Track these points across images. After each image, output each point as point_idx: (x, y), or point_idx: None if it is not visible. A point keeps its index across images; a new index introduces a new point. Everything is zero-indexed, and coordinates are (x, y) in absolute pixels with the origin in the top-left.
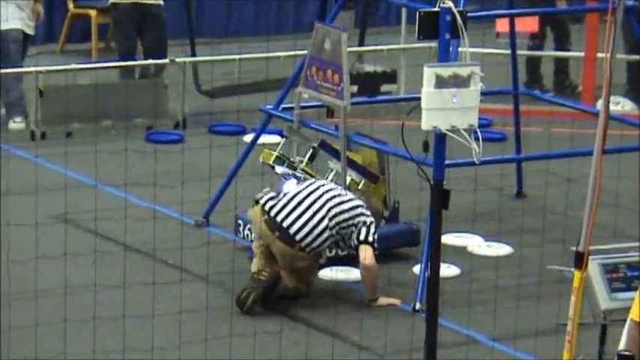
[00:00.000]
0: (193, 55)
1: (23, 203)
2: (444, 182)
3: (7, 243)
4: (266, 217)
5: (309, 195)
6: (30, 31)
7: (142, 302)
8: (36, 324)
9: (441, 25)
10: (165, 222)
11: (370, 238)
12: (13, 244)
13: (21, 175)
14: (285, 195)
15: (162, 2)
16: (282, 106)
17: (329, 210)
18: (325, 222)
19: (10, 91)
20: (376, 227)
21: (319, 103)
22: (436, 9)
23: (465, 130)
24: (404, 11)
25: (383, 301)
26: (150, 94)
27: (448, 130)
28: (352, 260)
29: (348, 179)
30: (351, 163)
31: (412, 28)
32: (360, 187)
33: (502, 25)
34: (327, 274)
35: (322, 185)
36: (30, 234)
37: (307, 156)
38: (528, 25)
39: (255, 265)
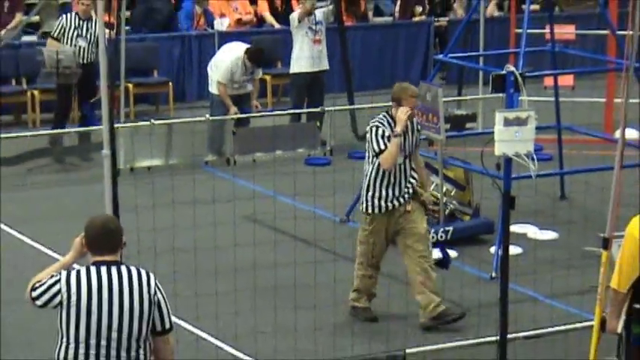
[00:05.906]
0: (351, 103)
1: (223, 209)
2: (512, 190)
3: (214, 237)
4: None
5: None
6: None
7: (302, 279)
8: (216, 294)
9: (507, 83)
10: (320, 220)
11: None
12: (218, 237)
13: (222, 189)
14: None
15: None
16: None
17: None
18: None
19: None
20: None
21: (424, 136)
22: (503, 72)
23: (525, 154)
24: (480, 72)
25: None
26: (308, 133)
27: (513, 155)
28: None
29: (444, 188)
30: (446, 178)
31: (487, 84)
32: (452, 193)
33: (548, 81)
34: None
35: None
36: (229, 230)
37: None
38: (566, 80)
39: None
